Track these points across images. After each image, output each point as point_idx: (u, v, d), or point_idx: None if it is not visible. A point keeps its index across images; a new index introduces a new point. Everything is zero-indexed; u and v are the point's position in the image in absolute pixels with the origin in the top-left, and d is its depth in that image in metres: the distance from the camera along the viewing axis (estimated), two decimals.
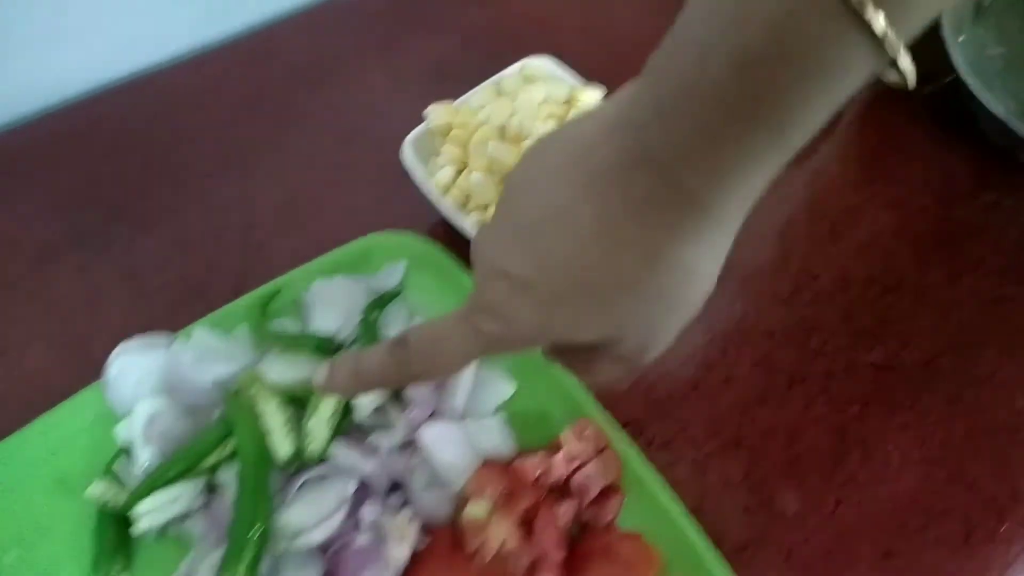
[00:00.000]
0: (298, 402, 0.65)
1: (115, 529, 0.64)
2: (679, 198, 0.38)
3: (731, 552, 0.64)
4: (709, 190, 0.38)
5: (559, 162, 0.42)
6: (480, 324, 0.45)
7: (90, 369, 0.71)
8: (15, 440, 0.66)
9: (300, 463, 0.62)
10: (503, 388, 0.71)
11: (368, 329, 0.69)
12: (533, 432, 0.68)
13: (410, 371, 0.50)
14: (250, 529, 0.57)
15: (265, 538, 0.58)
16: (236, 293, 0.74)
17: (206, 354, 0.68)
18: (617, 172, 0.39)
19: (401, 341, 0.50)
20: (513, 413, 0.70)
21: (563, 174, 0.42)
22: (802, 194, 0.89)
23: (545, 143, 0.45)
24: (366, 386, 0.53)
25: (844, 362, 0.78)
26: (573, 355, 0.49)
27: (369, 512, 0.61)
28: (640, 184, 0.39)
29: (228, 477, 0.63)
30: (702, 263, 0.42)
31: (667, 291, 0.42)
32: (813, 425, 0.74)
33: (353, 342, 0.69)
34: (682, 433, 0.73)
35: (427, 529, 0.63)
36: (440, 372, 0.50)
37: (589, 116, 0.43)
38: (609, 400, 0.69)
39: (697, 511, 0.64)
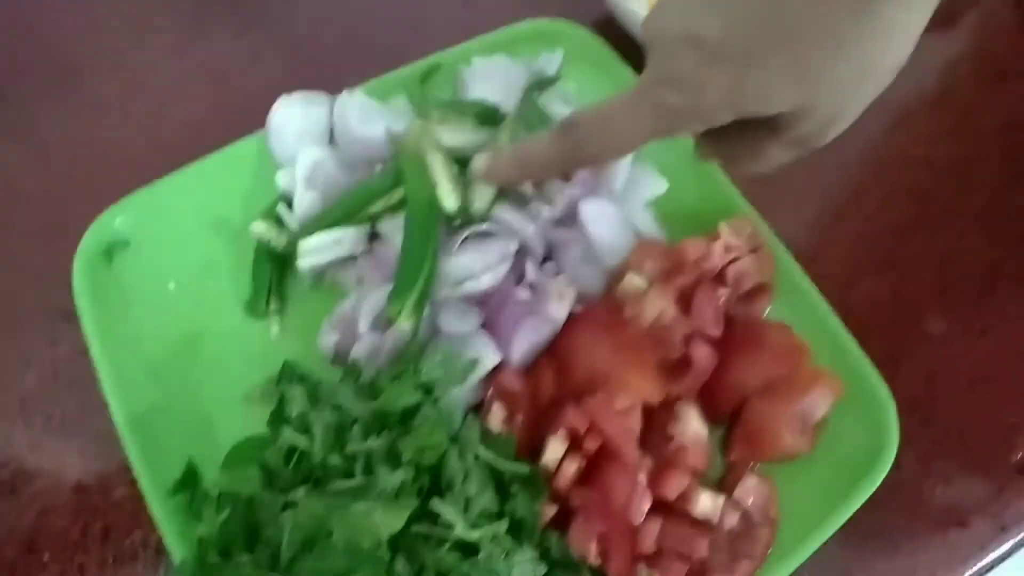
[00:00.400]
0: (461, 163, 0.64)
1: (272, 270, 0.65)
2: None
3: (876, 363, 0.63)
4: None
5: None
6: (663, 98, 0.44)
7: (247, 125, 0.72)
8: (178, 179, 0.67)
9: (464, 219, 0.62)
10: (656, 184, 0.70)
11: (529, 106, 0.68)
12: (682, 230, 0.68)
13: (579, 154, 0.49)
14: (419, 267, 0.58)
15: (431, 277, 0.59)
16: (393, 66, 0.73)
17: (370, 112, 0.67)
18: None
19: (569, 124, 0.48)
20: (664, 211, 0.70)
21: None
22: (970, 35, 0.85)
23: None
24: (530, 173, 0.53)
25: (1002, 200, 0.76)
26: (740, 140, 0.48)
27: (529, 271, 0.61)
28: None
29: (391, 227, 0.63)
30: (909, 23, 0.40)
31: (869, 52, 0.40)
32: (966, 256, 0.73)
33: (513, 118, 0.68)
34: (833, 249, 0.72)
35: (579, 301, 0.63)
36: (611, 154, 0.49)
37: None
38: (759, 209, 0.67)
39: (845, 322, 0.63)
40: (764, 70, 0.41)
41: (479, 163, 0.54)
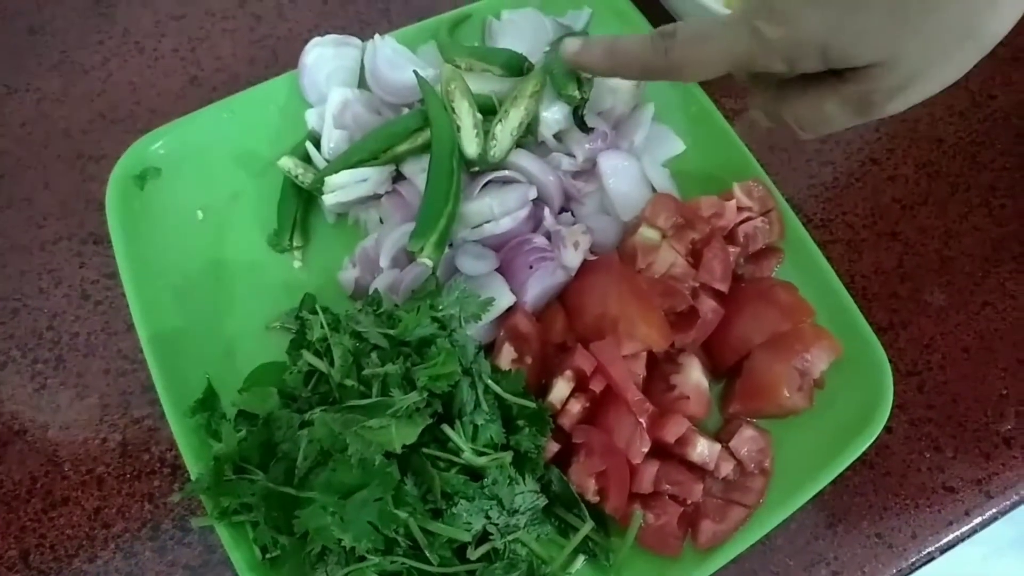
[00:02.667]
0: (487, 112, 0.66)
1: (297, 205, 0.67)
2: None
3: (876, 330, 0.65)
4: None
5: None
6: (761, 26, 0.44)
7: (278, 66, 0.74)
8: (211, 112, 0.69)
9: (484, 165, 0.64)
10: (674, 144, 0.71)
11: (556, 59, 0.69)
12: (697, 190, 0.69)
13: (669, 61, 0.49)
14: (441, 207, 0.60)
15: (453, 217, 0.61)
16: (424, 15, 0.74)
17: (399, 57, 0.69)
18: None
19: (668, 32, 0.49)
20: (680, 171, 0.71)
21: None
22: None
23: None
24: (618, 66, 0.54)
25: (1010, 180, 0.77)
26: (802, 98, 0.48)
27: (547, 218, 0.63)
28: None
29: (415, 169, 0.65)
30: None
31: (976, 11, 0.40)
32: (970, 232, 0.74)
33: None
34: (841, 217, 0.74)
35: (593, 252, 0.65)
36: (699, 69, 0.49)
37: None
38: (772, 175, 0.69)
39: (848, 289, 0.65)
40: (864, 12, 0.41)
41: (571, 45, 0.56)
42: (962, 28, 0.41)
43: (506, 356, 0.60)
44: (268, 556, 0.53)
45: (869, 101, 0.45)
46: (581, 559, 0.57)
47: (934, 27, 0.41)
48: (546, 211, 0.63)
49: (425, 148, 0.64)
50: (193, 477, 0.56)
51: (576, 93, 0.63)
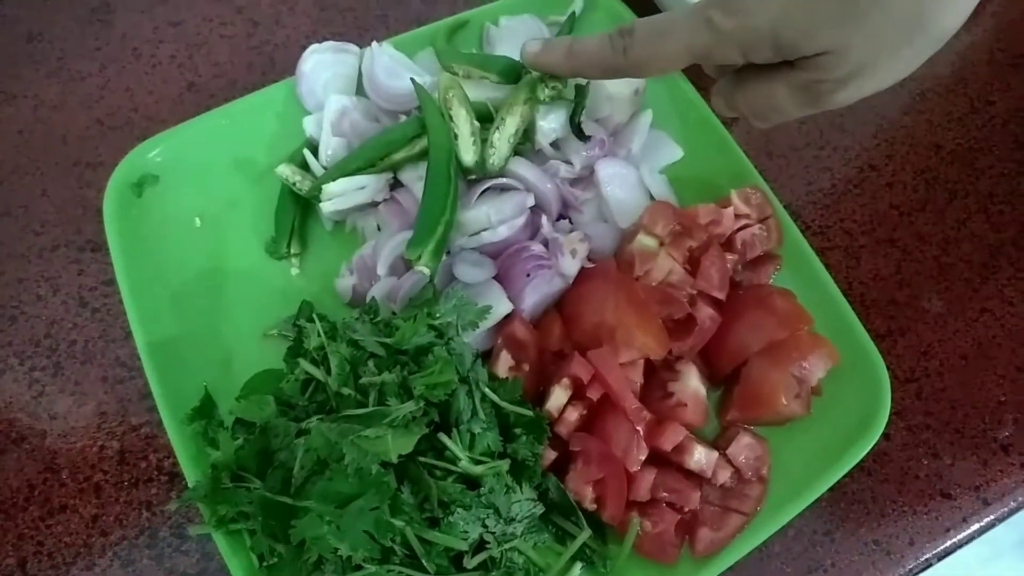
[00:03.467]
0: (483, 120, 0.66)
1: (295, 213, 0.67)
2: None
3: (874, 337, 0.65)
4: None
5: None
6: (715, 18, 0.45)
7: (275, 73, 0.74)
8: (208, 119, 0.69)
9: (482, 172, 0.64)
10: (672, 151, 0.71)
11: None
12: (695, 197, 0.69)
13: (628, 59, 0.51)
14: (439, 214, 0.60)
15: (451, 225, 0.61)
16: (419, 24, 0.75)
17: (397, 64, 0.69)
18: None
19: (626, 30, 0.51)
20: (678, 178, 0.71)
21: None
22: (987, 23, 0.86)
23: None
24: (579, 67, 0.55)
25: (1008, 187, 0.77)
26: (757, 87, 0.49)
27: (545, 226, 0.63)
28: None
29: (412, 177, 0.65)
30: None
31: (925, 6, 0.41)
32: (968, 239, 0.74)
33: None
34: (839, 224, 0.74)
35: (590, 259, 0.65)
36: (658, 65, 0.50)
37: None
38: (769, 182, 0.69)
39: (846, 296, 0.65)
40: (814, 2, 0.42)
41: (531, 47, 0.57)
42: (911, 22, 0.42)
43: (503, 364, 0.60)
44: (265, 564, 0.53)
45: (818, 91, 0.47)
46: (578, 567, 0.57)
47: (882, 19, 0.42)
48: (543, 219, 0.63)
49: (422, 156, 0.64)
50: (191, 485, 0.56)
51: (545, 95, 0.63)
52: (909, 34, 0.43)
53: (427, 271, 0.59)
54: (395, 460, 0.49)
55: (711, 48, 0.47)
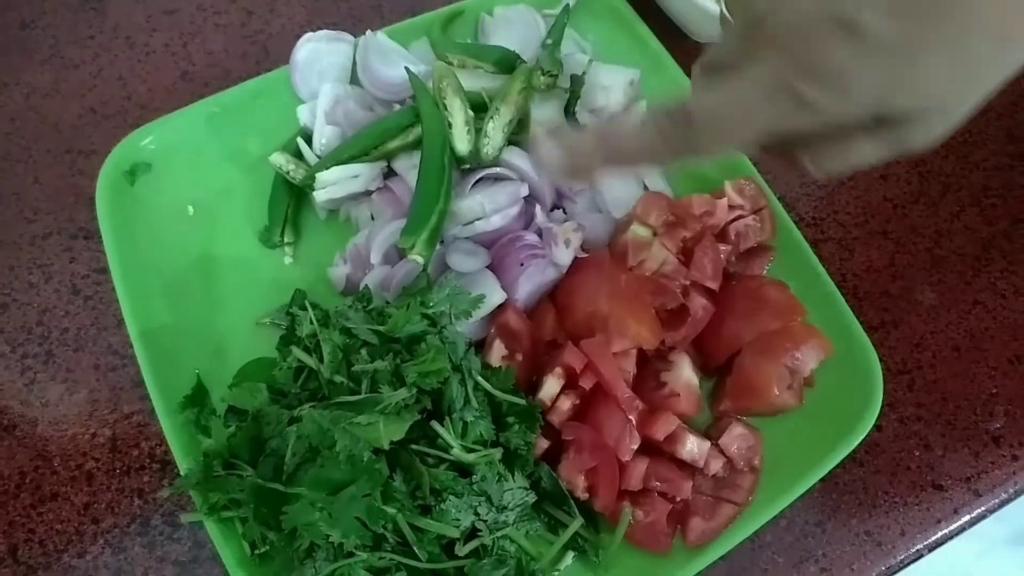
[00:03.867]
0: (478, 109, 0.66)
1: (288, 202, 0.67)
2: None
3: (867, 328, 0.65)
4: None
5: None
6: (802, 93, 0.36)
7: (270, 62, 0.74)
8: (201, 107, 0.69)
9: (475, 162, 0.64)
10: None
11: (551, 55, 0.69)
12: (689, 189, 0.69)
13: (691, 146, 0.41)
14: (433, 203, 0.60)
15: (444, 214, 0.61)
16: (414, 13, 0.74)
17: (391, 53, 0.69)
18: None
19: (682, 115, 0.40)
20: (672, 170, 0.71)
21: None
22: None
23: None
24: (622, 161, 0.44)
25: (1001, 180, 0.77)
26: (827, 137, 0.40)
27: (538, 216, 0.63)
28: None
29: (406, 166, 0.65)
30: None
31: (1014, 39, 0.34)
32: (961, 232, 0.74)
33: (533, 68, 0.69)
34: (833, 216, 0.74)
35: (584, 250, 0.65)
36: (730, 148, 0.41)
37: None
38: (763, 174, 0.69)
39: (840, 288, 0.65)
40: (925, 64, 0.35)
41: (547, 154, 0.44)
42: (997, 64, 0.36)
43: (497, 353, 0.60)
44: (257, 552, 0.53)
45: (909, 141, 0.40)
46: (570, 556, 0.57)
47: (993, 66, 0.36)
48: (537, 208, 0.63)
49: (416, 145, 0.64)
50: (182, 473, 0.56)
51: (540, 84, 0.64)
52: (997, 67, 0.36)
53: (421, 260, 0.59)
54: (387, 447, 0.49)
55: (798, 123, 0.39)
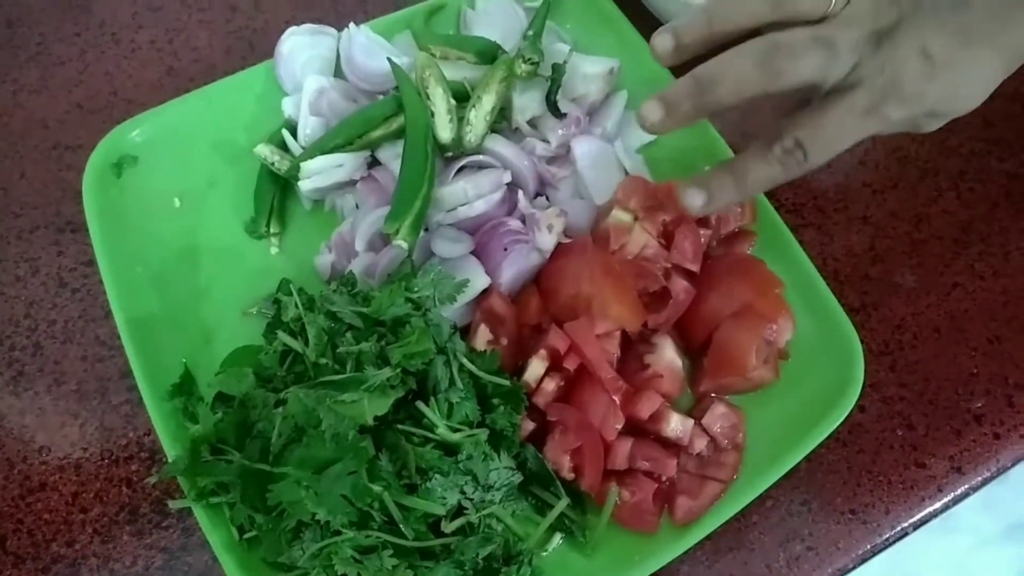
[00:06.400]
0: (460, 98, 0.67)
1: (274, 192, 0.68)
2: None
3: (848, 311, 0.65)
4: None
5: None
6: (890, 112, 0.47)
7: (254, 56, 0.75)
8: (187, 100, 0.69)
9: (458, 150, 0.65)
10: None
11: (532, 44, 0.70)
12: (669, 175, 0.70)
13: (806, 168, 0.50)
14: (416, 189, 0.60)
15: (428, 200, 0.61)
16: (397, 7, 0.75)
17: (374, 46, 0.70)
18: None
19: (795, 146, 0.49)
20: (654, 157, 0.72)
21: None
22: None
23: None
24: (752, 193, 0.54)
25: (978, 165, 0.78)
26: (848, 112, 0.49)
27: (522, 202, 0.64)
28: None
29: (389, 155, 0.66)
30: None
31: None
32: (940, 216, 0.75)
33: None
34: (812, 201, 0.75)
35: (567, 236, 0.66)
36: (830, 158, 0.50)
37: None
38: None
39: (820, 272, 0.65)
40: (972, 73, 0.48)
41: (691, 198, 0.53)
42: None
43: (482, 337, 0.60)
44: (246, 536, 0.53)
45: (925, 128, 0.53)
46: (558, 536, 0.58)
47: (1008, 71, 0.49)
48: (520, 195, 0.64)
49: (400, 134, 0.65)
50: (170, 460, 0.56)
51: (521, 71, 0.66)
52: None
53: (405, 245, 0.60)
54: (371, 423, 0.49)
55: (880, 131, 0.50)
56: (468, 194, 0.62)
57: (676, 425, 0.59)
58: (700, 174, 0.52)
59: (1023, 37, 0.47)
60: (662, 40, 0.50)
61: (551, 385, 0.59)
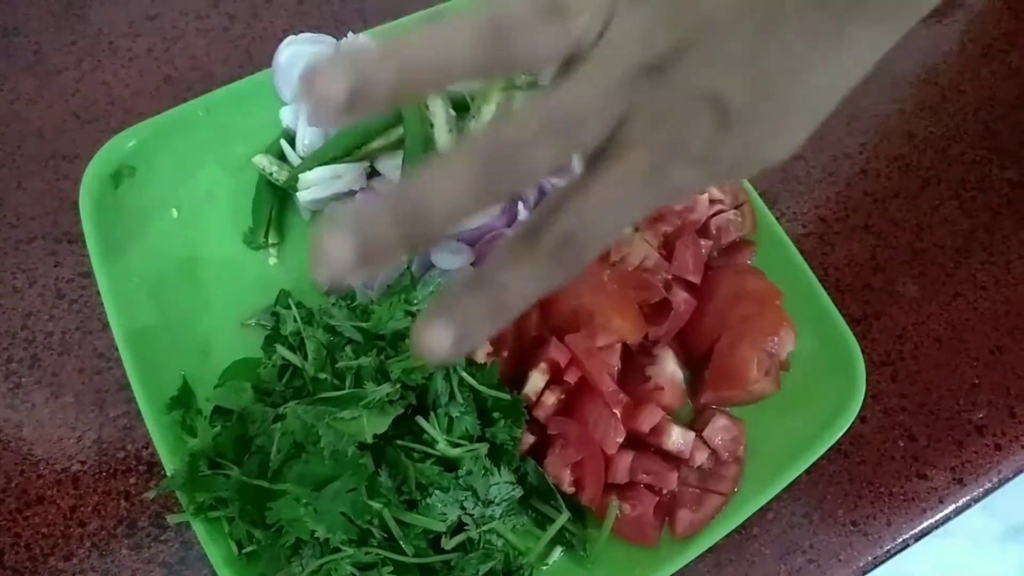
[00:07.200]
0: (460, 108, 0.66)
1: (272, 203, 0.67)
2: None
3: (849, 321, 0.65)
4: None
5: None
6: (672, 173, 0.34)
7: (252, 66, 0.74)
8: (185, 110, 0.69)
9: None
10: None
11: None
12: None
13: (586, 263, 0.35)
14: None
15: None
16: (395, 16, 0.75)
17: None
18: None
19: (560, 240, 0.33)
20: None
21: None
22: (958, 14, 0.88)
23: None
24: (517, 314, 0.35)
25: (979, 173, 0.78)
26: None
27: (521, 213, 0.64)
28: None
29: (389, 166, 0.65)
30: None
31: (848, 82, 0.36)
32: (942, 225, 0.75)
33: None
34: (814, 210, 0.75)
35: None
36: (608, 245, 0.41)
37: None
38: None
39: (821, 282, 0.65)
40: (781, 128, 0.35)
41: (438, 341, 0.32)
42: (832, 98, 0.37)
43: (481, 350, 0.60)
44: (244, 551, 0.53)
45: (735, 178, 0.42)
46: (558, 550, 0.58)
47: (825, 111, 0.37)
48: (520, 206, 0.64)
49: (399, 144, 0.64)
50: (169, 474, 0.56)
51: (521, 81, 0.64)
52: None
53: (404, 257, 0.59)
54: (370, 440, 0.49)
55: (668, 201, 0.42)
56: None
57: (677, 438, 0.59)
58: (444, 297, 0.33)
59: (851, 60, 0.35)
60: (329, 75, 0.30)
61: (552, 398, 0.59)
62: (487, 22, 0.30)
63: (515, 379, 0.61)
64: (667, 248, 0.64)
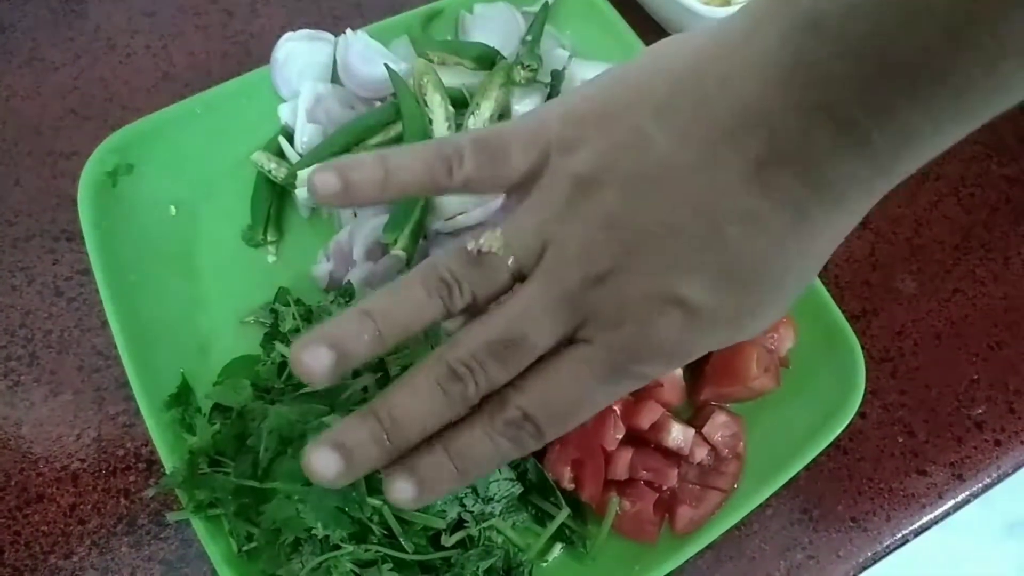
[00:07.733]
0: (459, 105, 0.66)
1: (271, 200, 0.67)
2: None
3: (848, 317, 0.65)
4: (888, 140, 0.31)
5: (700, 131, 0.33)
6: (633, 368, 0.37)
7: (251, 62, 0.74)
8: (183, 107, 0.69)
9: None
10: None
11: (531, 50, 0.69)
12: None
13: (543, 441, 0.39)
14: (415, 199, 0.60)
15: (426, 209, 0.61)
16: (394, 12, 0.75)
17: (372, 51, 0.69)
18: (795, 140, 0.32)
19: (519, 418, 0.37)
20: None
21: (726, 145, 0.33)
22: None
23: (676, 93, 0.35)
24: (476, 478, 0.45)
25: (978, 170, 0.78)
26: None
27: None
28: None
29: None
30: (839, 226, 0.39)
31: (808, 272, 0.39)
32: (940, 221, 0.75)
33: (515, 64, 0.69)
34: None
35: None
36: (574, 427, 0.40)
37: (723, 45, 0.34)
38: None
39: (821, 278, 0.66)
40: (755, 312, 0.36)
41: (401, 493, 0.38)
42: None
43: None
44: (244, 549, 0.53)
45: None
46: (558, 547, 0.58)
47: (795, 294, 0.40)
48: None
49: (398, 141, 0.64)
50: (168, 471, 0.56)
51: (520, 78, 0.64)
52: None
53: (404, 254, 0.59)
54: None
55: (628, 391, 0.40)
56: (466, 203, 0.61)
57: (677, 435, 0.59)
58: (407, 457, 0.38)
59: (814, 239, 0.36)
60: (320, 178, 0.38)
61: None
62: (432, 286, 0.38)
63: None
64: None
